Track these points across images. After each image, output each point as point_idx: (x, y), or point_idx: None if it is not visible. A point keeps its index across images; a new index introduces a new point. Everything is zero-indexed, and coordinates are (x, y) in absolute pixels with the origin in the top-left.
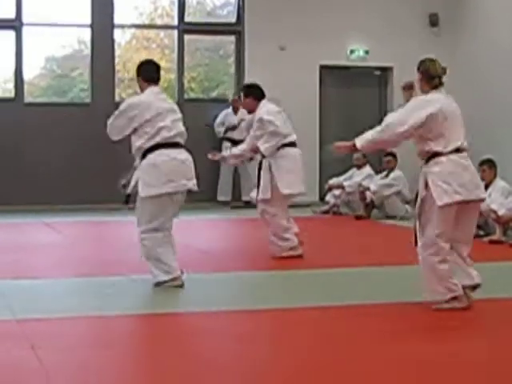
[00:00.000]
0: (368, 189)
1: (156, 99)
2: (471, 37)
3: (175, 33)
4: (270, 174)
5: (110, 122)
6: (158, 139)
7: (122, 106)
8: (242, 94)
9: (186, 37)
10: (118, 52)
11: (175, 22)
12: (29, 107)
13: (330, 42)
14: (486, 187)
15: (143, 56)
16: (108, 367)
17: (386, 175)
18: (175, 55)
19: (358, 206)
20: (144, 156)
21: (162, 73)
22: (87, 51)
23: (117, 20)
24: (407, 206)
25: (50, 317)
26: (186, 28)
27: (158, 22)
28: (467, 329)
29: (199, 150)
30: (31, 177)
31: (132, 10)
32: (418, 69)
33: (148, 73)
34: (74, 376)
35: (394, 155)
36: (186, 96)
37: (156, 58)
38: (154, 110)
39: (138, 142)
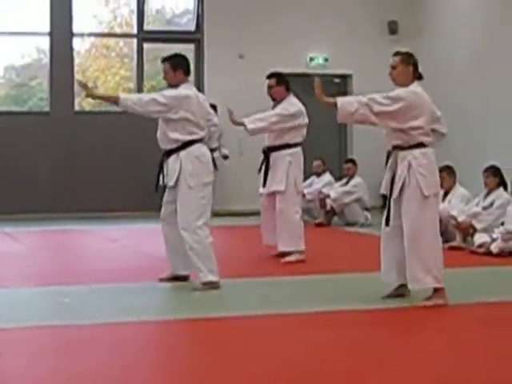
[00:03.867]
0: (328, 196)
1: (195, 96)
2: (430, 45)
3: (134, 41)
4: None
5: (151, 97)
6: (196, 136)
7: (173, 93)
8: (271, 81)
9: (146, 45)
10: (77, 60)
11: (134, 31)
12: None
13: (289, 49)
14: (446, 194)
15: (102, 64)
16: (68, 376)
17: (346, 182)
18: (134, 64)
19: (318, 213)
20: (183, 148)
21: (121, 81)
22: (46, 60)
23: (76, 28)
24: (367, 213)
25: (9, 326)
26: (145, 36)
27: (118, 30)
28: (426, 333)
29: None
30: None
31: (91, 19)
32: (405, 61)
33: (187, 66)
34: None
35: (353, 162)
36: None
37: (115, 67)
38: (195, 107)
39: (175, 135)
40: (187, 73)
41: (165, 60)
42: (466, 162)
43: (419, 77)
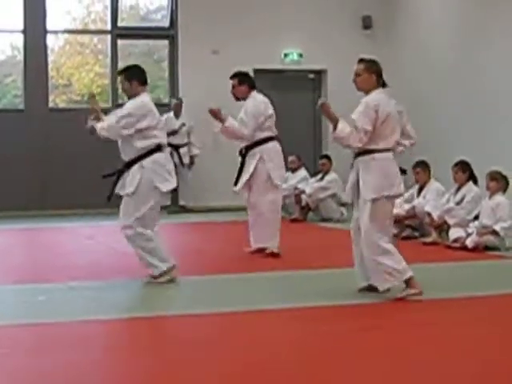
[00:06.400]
0: (303, 192)
1: (152, 105)
2: (404, 40)
3: (108, 38)
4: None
5: (112, 123)
6: (158, 141)
7: (128, 109)
8: (234, 81)
9: (120, 41)
10: (51, 58)
11: (108, 27)
12: None
13: (263, 45)
14: (421, 189)
15: (77, 61)
16: (40, 375)
17: (321, 178)
18: (109, 60)
19: (293, 209)
20: (145, 156)
21: (96, 78)
22: (20, 57)
23: (49, 25)
24: (342, 209)
25: None
26: (119, 33)
27: (92, 27)
28: (400, 328)
29: None
30: None
31: (65, 15)
32: (369, 69)
33: (143, 76)
34: None
35: (328, 158)
36: (120, 101)
37: (90, 64)
38: (155, 115)
39: (140, 144)
40: (143, 83)
41: (119, 73)
42: (437, 156)
43: (383, 84)
